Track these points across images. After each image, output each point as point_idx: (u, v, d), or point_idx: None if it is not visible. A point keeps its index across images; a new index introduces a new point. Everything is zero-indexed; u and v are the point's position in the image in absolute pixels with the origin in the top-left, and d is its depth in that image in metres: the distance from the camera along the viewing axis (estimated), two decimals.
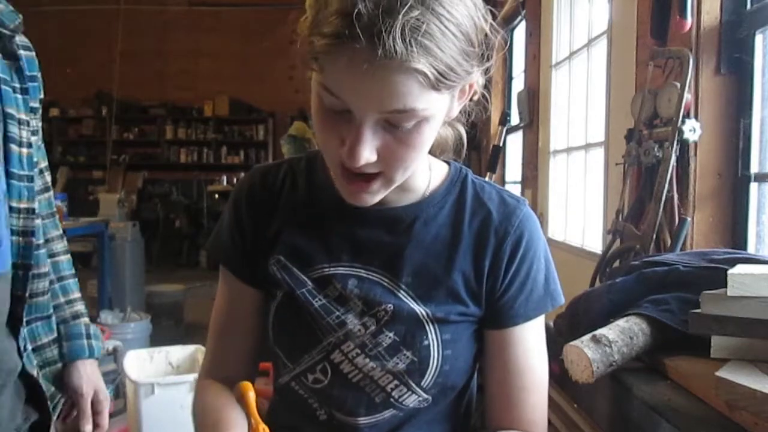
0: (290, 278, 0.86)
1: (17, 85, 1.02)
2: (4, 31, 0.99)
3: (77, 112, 9.65)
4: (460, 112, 0.83)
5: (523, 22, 4.43)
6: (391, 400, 0.84)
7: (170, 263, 8.79)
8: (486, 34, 0.73)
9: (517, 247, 0.85)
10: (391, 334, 0.83)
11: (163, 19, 9.24)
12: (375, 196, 0.77)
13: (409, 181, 0.84)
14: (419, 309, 0.83)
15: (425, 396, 0.85)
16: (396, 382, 0.83)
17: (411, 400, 0.84)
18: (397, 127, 0.70)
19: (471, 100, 0.81)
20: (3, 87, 0.98)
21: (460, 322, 0.85)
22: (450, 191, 0.88)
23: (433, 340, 0.83)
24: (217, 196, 9.22)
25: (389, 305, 0.83)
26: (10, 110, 0.98)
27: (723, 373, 1.05)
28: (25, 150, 1.02)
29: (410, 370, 0.83)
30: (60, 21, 8.79)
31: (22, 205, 1.02)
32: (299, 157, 0.94)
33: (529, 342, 0.87)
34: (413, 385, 0.84)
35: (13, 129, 0.99)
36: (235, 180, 9.36)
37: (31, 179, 1.03)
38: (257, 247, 0.89)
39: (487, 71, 0.77)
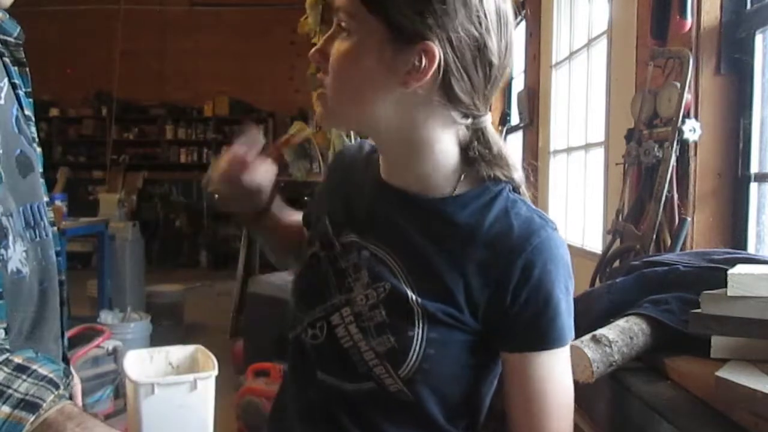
0: (323, 236, 0.94)
1: (29, 90, 1.07)
2: (11, 39, 1.01)
3: (77, 112, 9.64)
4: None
5: (523, 22, 4.43)
6: (372, 374, 0.86)
7: (170, 263, 8.78)
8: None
9: (531, 267, 0.81)
10: (383, 313, 0.85)
11: (163, 19, 9.23)
12: (322, 113, 0.89)
13: (429, 170, 0.86)
14: (413, 296, 0.84)
15: (403, 387, 0.85)
16: (376, 360, 0.85)
17: (390, 383, 0.85)
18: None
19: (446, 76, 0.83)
20: (20, 92, 1.01)
21: (451, 325, 0.84)
22: (479, 197, 0.87)
23: (418, 333, 0.83)
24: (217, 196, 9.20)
25: (388, 283, 0.86)
26: (28, 112, 1.04)
27: (723, 373, 1.05)
28: (39, 149, 1.09)
29: (389, 355, 0.84)
30: (60, 21, 8.79)
31: (45, 199, 1.10)
32: None
33: (554, 367, 0.85)
34: (390, 369, 0.84)
35: (33, 130, 1.05)
36: None
37: (44, 175, 1.11)
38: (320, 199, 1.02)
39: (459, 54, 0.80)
